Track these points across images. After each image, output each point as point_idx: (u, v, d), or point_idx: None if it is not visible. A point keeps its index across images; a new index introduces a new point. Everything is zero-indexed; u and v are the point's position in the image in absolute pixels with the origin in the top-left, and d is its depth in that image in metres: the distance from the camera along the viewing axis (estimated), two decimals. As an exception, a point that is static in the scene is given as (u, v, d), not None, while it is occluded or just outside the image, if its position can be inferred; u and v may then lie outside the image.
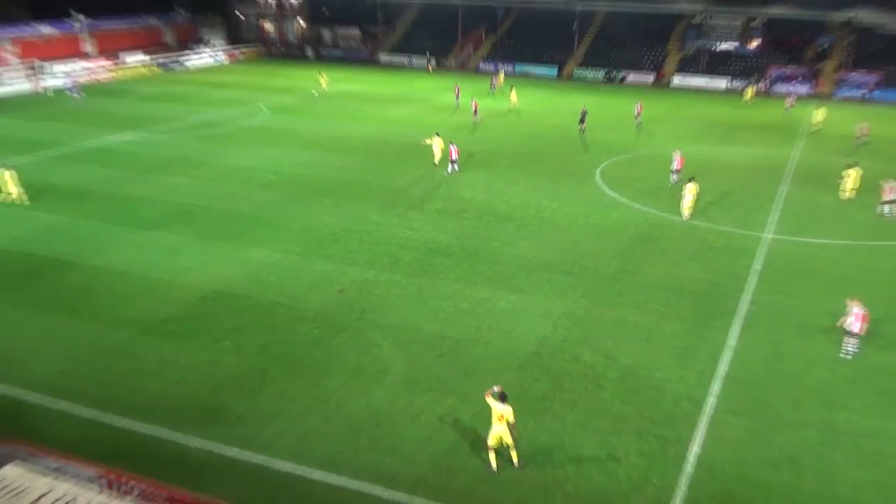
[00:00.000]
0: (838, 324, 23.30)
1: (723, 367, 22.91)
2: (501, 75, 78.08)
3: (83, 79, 75.27)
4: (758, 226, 35.46)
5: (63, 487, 13.58)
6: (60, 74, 73.86)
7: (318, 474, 17.89)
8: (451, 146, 43.30)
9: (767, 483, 17.89)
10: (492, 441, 17.79)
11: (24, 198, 36.66)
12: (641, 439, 19.45)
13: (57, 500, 13.20)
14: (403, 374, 22.16)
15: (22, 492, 13.40)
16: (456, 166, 42.98)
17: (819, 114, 58.64)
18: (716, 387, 21.86)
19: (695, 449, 19.07)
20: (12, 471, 14.09)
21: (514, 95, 65.80)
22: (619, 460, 18.63)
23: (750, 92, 73.23)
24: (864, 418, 20.48)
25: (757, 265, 30.77)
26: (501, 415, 17.62)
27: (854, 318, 22.66)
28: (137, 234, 32.66)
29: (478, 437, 19.35)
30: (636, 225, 35.31)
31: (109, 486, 16.27)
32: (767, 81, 79.25)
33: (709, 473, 18.18)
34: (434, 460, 18.46)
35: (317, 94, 68.57)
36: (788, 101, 67.84)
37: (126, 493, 15.99)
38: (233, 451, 18.64)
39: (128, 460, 17.79)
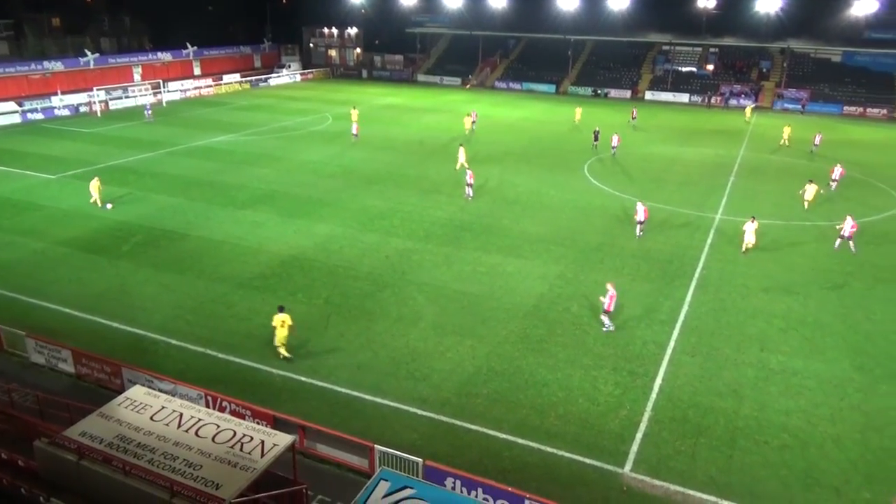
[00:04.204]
0: (601, 301, 21.53)
1: (681, 318, 22.61)
2: (635, 110, 62.21)
3: (191, 94, 75.47)
4: (710, 209, 34.78)
5: (174, 404, 13.61)
6: (176, 91, 74.09)
7: (367, 397, 17.93)
8: (468, 171, 36.07)
9: (714, 408, 17.67)
10: (278, 341, 19.26)
11: (99, 202, 33.29)
12: (617, 373, 19.26)
13: (170, 413, 13.23)
14: (434, 321, 22.07)
15: (145, 407, 13.45)
16: (471, 190, 35.62)
17: (786, 131, 51.56)
18: (675, 333, 21.59)
19: (658, 381, 18.87)
20: (137, 391, 14.15)
21: (468, 122, 54.46)
22: (600, 389, 18.47)
23: (749, 110, 66.52)
24: (792, 360, 20.12)
25: (709, 239, 30.23)
26: (283, 321, 19.01)
27: (608, 299, 21.23)
28: (233, 213, 32.70)
29: (492, 370, 19.28)
30: (614, 208, 34.73)
31: (209, 404, 16.43)
32: (723, 97, 77.45)
33: (669, 400, 17.99)
34: (457, 387, 18.41)
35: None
36: (747, 112, 65.94)
37: (222, 409, 16.12)
38: (303, 378, 18.74)
39: (224, 384, 17.97)
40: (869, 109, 71.66)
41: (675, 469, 15.37)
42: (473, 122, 55.08)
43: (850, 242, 28.65)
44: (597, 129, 49.88)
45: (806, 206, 34.72)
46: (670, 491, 14.66)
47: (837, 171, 38.69)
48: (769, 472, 15.33)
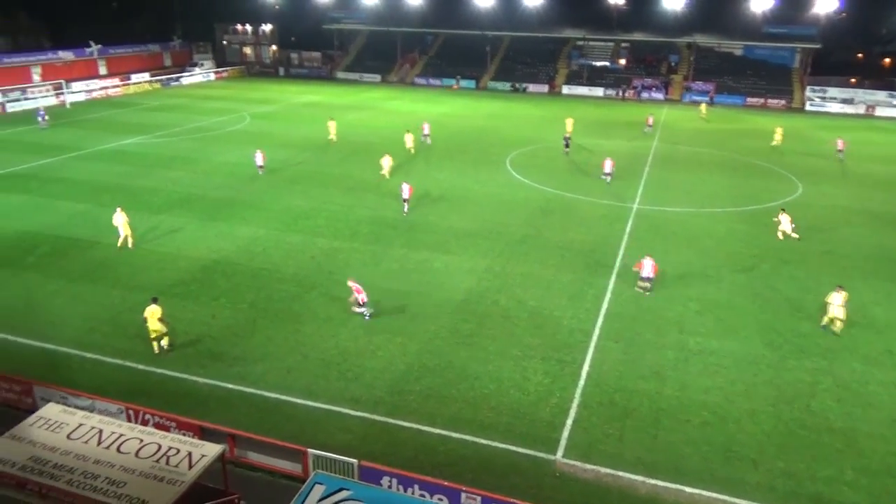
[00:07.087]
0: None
1: (604, 306, 23.31)
2: (651, 118, 58.55)
3: (97, 94, 71.87)
4: (628, 199, 36.02)
5: (93, 420, 13.00)
6: (80, 92, 70.37)
7: (298, 400, 17.64)
8: (405, 184, 32.38)
9: (639, 391, 18.32)
10: (153, 334, 19.40)
11: (130, 241, 27.70)
12: (546, 362, 19.68)
13: (88, 430, 12.63)
14: (363, 320, 21.91)
15: (61, 425, 12.78)
16: (406, 206, 32.28)
17: (778, 132, 51.41)
18: (600, 321, 22.25)
19: (585, 368, 19.40)
20: (51, 409, 13.43)
21: (409, 139, 45.38)
22: (530, 379, 18.83)
23: (704, 107, 66.50)
24: (708, 340, 21.11)
25: (628, 228, 31.30)
26: (152, 313, 19.19)
27: (355, 292, 21.70)
28: (147, 218, 31.32)
29: (424, 366, 19.33)
30: (537, 200, 35.44)
31: (131, 418, 15.77)
32: (636, 90, 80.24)
33: (596, 386, 18.53)
34: (389, 385, 18.37)
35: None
36: (703, 109, 66.17)
37: (145, 423, 15.51)
38: (230, 385, 18.24)
39: (146, 397, 17.29)
40: (770, 100, 75.94)
41: (604, 452, 15.87)
42: (426, 136, 48.01)
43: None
44: (567, 135, 47.73)
45: (780, 236, 30.13)
46: (601, 474, 15.12)
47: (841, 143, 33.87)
48: (692, 449, 16.06)
